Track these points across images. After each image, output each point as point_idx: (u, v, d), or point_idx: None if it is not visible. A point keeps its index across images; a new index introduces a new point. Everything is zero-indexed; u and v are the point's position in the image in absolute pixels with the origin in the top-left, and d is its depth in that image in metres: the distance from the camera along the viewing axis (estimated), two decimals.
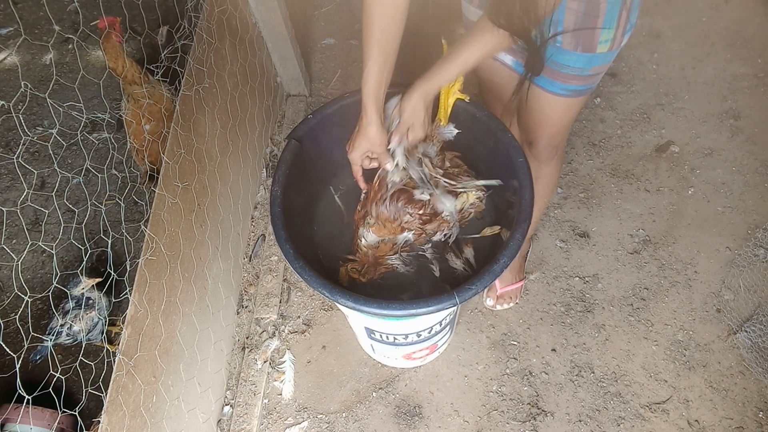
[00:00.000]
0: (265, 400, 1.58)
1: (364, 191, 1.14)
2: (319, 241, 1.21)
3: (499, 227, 1.10)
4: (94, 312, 1.52)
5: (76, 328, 1.50)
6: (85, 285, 1.51)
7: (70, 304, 1.52)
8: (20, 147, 2.09)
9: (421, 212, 1.07)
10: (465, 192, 1.09)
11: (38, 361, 1.51)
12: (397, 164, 1.07)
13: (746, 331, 1.58)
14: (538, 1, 0.81)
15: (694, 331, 1.63)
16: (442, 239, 1.11)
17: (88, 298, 1.52)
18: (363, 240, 1.10)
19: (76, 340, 1.53)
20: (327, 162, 1.21)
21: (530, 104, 1.21)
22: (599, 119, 2.08)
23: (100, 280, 1.53)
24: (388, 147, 1.05)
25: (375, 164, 1.09)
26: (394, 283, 1.13)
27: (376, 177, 1.10)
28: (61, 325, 1.50)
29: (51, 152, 2.05)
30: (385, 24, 0.93)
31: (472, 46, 0.94)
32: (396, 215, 1.07)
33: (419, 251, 1.12)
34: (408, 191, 1.07)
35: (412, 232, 1.09)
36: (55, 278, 1.72)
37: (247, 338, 1.66)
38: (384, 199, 1.07)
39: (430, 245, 1.12)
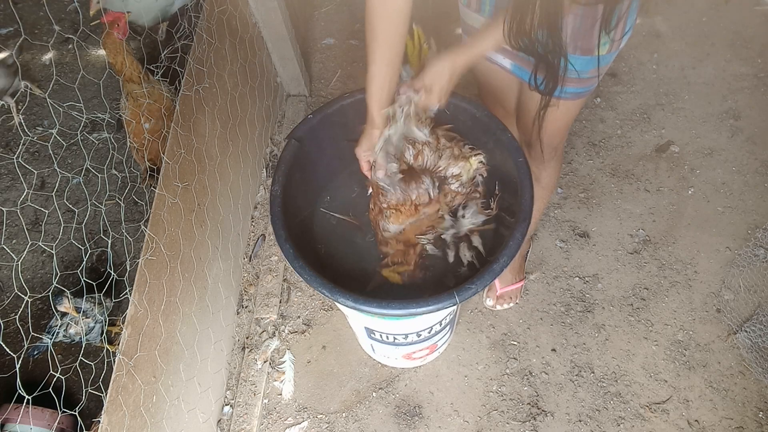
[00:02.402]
0: (265, 400, 1.58)
1: (369, 191, 1.14)
2: (320, 240, 1.21)
3: (493, 225, 1.10)
4: (89, 319, 1.52)
5: (72, 331, 1.50)
6: (65, 308, 1.49)
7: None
8: (20, 147, 2.09)
9: (425, 186, 1.07)
10: (467, 159, 1.09)
11: (36, 356, 1.52)
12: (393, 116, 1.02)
13: (746, 331, 1.58)
14: (557, 21, 0.81)
15: (694, 331, 1.63)
16: (462, 214, 1.11)
17: (84, 308, 1.52)
18: (386, 232, 1.10)
19: (74, 341, 1.54)
20: (327, 162, 1.21)
21: (529, 106, 1.21)
22: (599, 119, 2.08)
23: (77, 311, 1.51)
24: (398, 95, 1.02)
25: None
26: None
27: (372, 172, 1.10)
28: (59, 326, 1.50)
29: (51, 152, 2.05)
30: (387, 29, 0.94)
31: (501, 23, 0.94)
32: (404, 196, 1.07)
33: (441, 233, 1.12)
34: (407, 172, 1.08)
35: (428, 207, 1.08)
36: (55, 278, 1.72)
37: (247, 338, 1.66)
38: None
39: (451, 225, 1.11)
